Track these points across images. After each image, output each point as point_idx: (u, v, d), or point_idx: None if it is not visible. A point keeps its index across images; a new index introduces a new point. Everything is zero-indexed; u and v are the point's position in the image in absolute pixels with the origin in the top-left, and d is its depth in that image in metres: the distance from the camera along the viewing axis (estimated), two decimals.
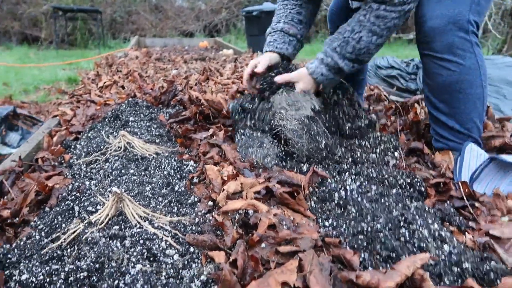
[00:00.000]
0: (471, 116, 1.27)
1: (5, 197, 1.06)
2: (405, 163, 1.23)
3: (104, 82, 2.33)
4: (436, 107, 1.31)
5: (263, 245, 0.74)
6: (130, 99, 1.68)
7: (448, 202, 1.04)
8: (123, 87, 2.30)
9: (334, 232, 0.81)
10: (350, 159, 1.14)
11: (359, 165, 1.11)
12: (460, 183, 1.05)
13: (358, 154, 1.16)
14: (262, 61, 1.43)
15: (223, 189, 0.91)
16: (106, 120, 1.59)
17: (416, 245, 0.75)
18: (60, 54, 7.46)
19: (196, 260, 0.73)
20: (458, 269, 0.72)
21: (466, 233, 0.90)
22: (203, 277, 0.67)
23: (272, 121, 1.26)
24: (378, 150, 1.24)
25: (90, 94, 2.12)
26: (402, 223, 0.79)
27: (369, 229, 0.79)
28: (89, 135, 1.50)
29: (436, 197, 1.06)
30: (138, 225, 0.79)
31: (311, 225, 0.83)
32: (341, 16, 1.64)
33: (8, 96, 3.78)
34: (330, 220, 0.86)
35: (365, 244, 0.76)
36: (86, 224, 0.78)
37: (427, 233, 0.79)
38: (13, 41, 8.64)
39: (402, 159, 1.22)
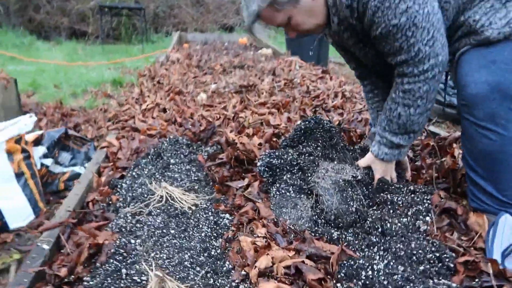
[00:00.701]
0: (509, 183, 1.24)
1: (62, 250, 1.19)
2: (436, 227, 1.24)
3: (147, 105, 2.46)
4: (474, 170, 1.28)
5: None
6: (171, 137, 1.78)
7: (477, 279, 1.05)
8: (164, 110, 2.42)
9: None
10: (380, 229, 1.16)
11: (388, 237, 1.14)
12: (490, 261, 1.06)
13: (388, 224, 1.18)
14: None
15: (255, 266, 0.98)
16: (149, 157, 1.70)
17: None
18: (105, 49, 7.79)
19: None
20: None
21: None
22: None
23: (310, 178, 1.31)
24: (409, 213, 1.26)
25: (134, 120, 2.24)
26: None
27: None
28: (133, 173, 1.62)
29: (464, 273, 1.07)
30: None
31: None
32: None
33: (59, 100, 4.05)
34: None
35: None
36: None
37: None
38: (62, 36, 9.07)
39: (433, 224, 1.23)
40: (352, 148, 1.52)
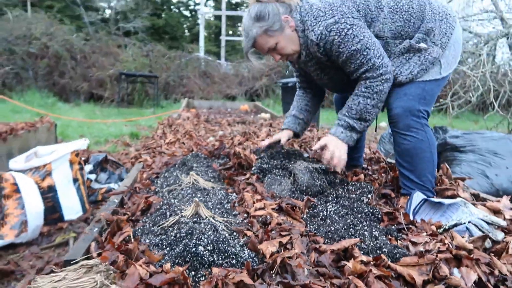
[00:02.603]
0: (424, 172, 1.88)
1: (125, 205, 1.78)
2: (375, 202, 1.84)
3: (170, 139, 3.13)
4: (402, 165, 1.93)
5: (273, 232, 1.38)
6: (193, 151, 2.42)
7: (395, 225, 1.64)
8: (183, 143, 3.08)
9: (315, 231, 1.44)
10: (334, 195, 1.77)
11: (340, 198, 1.74)
12: (403, 214, 1.65)
13: (340, 191, 1.79)
14: (283, 137, 2.22)
15: (254, 206, 1.57)
16: (176, 165, 2.33)
17: (357, 237, 1.36)
18: (121, 112, 8.67)
19: (238, 237, 1.38)
20: (379, 251, 1.32)
21: (399, 240, 1.49)
22: (241, 242, 1.32)
23: (289, 169, 1.94)
24: (357, 192, 1.86)
25: (161, 147, 2.90)
26: (352, 226, 1.41)
27: (333, 229, 1.41)
28: (166, 175, 2.23)
29: (388, 222, 1.66)
30: (207, 219, 1.45)
31: (301, 225, 1.46)
32: (343, 101, 2.35)
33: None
34: (314, 226, 1.49)
35: (330, 236, 1.39)
36: (180, 216, 1.46)
37: (367, 234, 1.40)
38: (81, 98, 10.04)
39: (373, 199, 1.83)
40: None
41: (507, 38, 6.11)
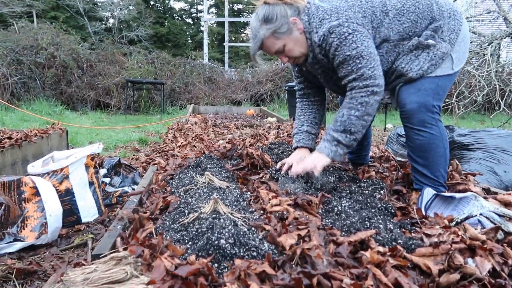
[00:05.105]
0: (438, 167, 1.90)
1: (144, 205, 1.82)
2: (388, 198, 1.87)
3: (181, 143, 3.19)
4: (415, 161, 1.95)
5: (290, 226, 1.43)
6: (206, 153, 2.47)
7: (408, 219, 1.67)
8: (194, 146, 3.13)
9: (331, 225, 1.48)
10: (348, 191, 1.81)
11: (353, 194, 1.78)
12: (415, 209, 1.69)
13: (353, 187, 1.83)
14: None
15: (270, 202, 1.61)
16: (190, 167, 2.38)
17: (372, 230, 1.40)
18: (128, 118, 8.75)
19: (256, 231, 1.43)
20: (394, 243, 1.36)
21: (413, 233, 1.53)
22: (260, 236, 1.36)
23: None
24: (370, 189, 1.90)
25: (173, 150, 2.95)
26: (367, 219, 1.45)
27: (349, 222, 1.45)
28: (180, 176, 2.28)
29: (401, 216, 1.69)
30: (225, 215, 1.50)
31: (318, 219, 1.50)
32: None
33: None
34: (330, 220, 1.53)
35: (345, 229, 1.43)
36: (200, 213, 1.51)
37: (382, 226, 1.44)
38: (88, 107, 10.14)
39: (385, 195, 1.87)
40: None
41: (511, 37, 6.13)
